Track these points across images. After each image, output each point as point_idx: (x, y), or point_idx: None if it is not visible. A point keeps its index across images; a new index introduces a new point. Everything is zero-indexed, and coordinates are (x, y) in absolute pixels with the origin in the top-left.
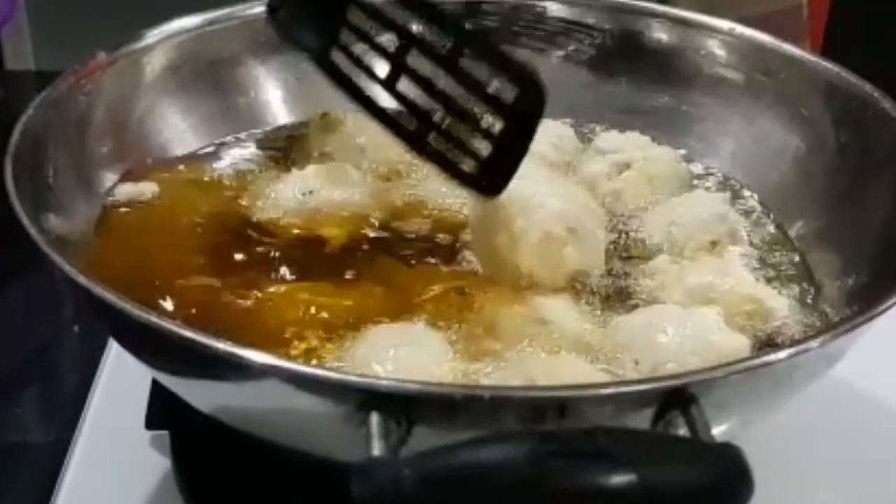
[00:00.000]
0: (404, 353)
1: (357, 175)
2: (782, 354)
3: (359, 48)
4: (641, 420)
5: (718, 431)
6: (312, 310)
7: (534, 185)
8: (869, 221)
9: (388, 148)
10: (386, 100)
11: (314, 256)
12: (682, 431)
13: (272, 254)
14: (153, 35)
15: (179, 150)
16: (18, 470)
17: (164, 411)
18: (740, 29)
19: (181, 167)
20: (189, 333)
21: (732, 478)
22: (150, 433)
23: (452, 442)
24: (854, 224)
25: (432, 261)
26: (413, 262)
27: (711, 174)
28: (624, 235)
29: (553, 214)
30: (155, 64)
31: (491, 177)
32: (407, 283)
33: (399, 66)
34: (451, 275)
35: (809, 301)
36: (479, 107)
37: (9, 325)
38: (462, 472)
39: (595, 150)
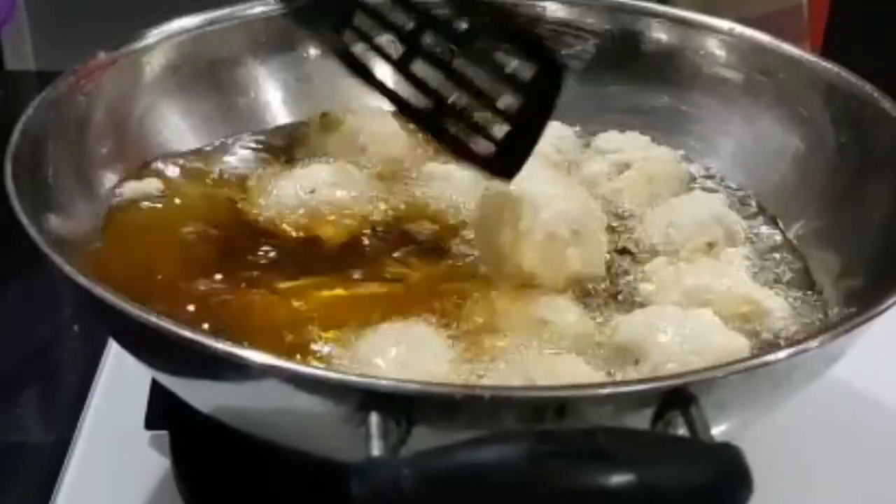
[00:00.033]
0: (404, 352)
1: (357, 174)
2: (782, 354)
3: (373, 31)
4: (641, 420)
5: (718, 431)
6: (313, 309)
7: (539, 184)
8: (869, 221)
9: (389, 147)
10: (401, 86)
11: (315, 256)
12: (682, 431)
13: (273, 253)
14: (153, 35)
15: (179, 150)
16: (18, 470)
17: (163, 411)
18: (740, 29)
19: (182, 167)
20: (189, 333)
21: (732, 478)
22: (149, 433)
23: (452, 442)
24: (854, 224)
25: (433, 260)
26: (414, 261)
27: (711, 174)
28: (623, 236)
29: (558, 215)
30: (155, 64)
31: (506, 159)
32: (407, 283)
33: (414, 48)
34: (452, 274)
35: (809, 301)
36: (495, 86)
37: (9, 325)
38: (461, 472)
39: (595, 150)
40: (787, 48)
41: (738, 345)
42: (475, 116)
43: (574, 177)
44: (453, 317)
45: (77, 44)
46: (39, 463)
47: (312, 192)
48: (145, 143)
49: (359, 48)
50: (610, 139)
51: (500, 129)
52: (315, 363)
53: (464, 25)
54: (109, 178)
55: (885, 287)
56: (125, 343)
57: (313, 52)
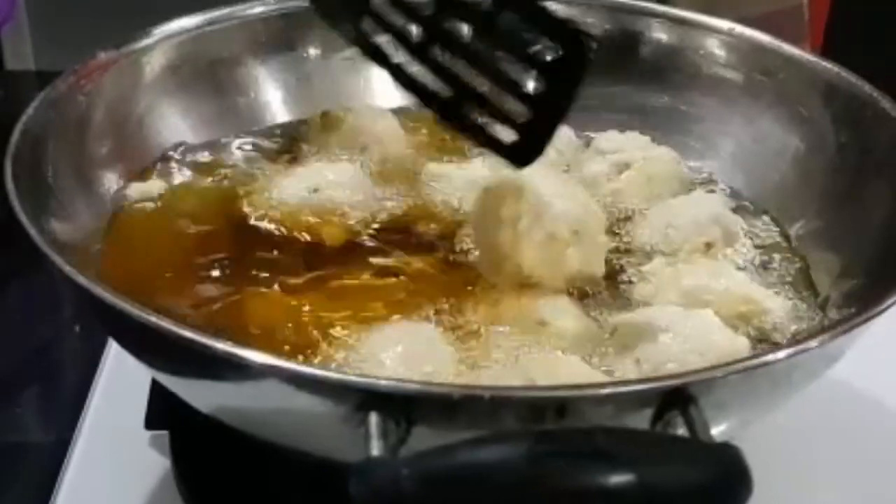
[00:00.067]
0: (404, 352)
1: (358, 174)
2: (781, 354)
3: (392, 17)
4: (640, 420)
5: (717, 431)
6: (314, 309)
7: (538, 185)
8: (868, 222)
9: (389, 146)
10: (421, 74)
11: (316, 255)
12: (681, 431)
13: (274, 253)
14: (153, 35)
15: (179, 150)
16: (18, 470)
17: (163, 411)
18: (740, 29)
19: (183, 167)
20: (189, 333)
21: (731, 478)
22: (149, 433)
23: (451, 442)
24: (854, 224)
25: (434, 260)
26: (415, 261)
27: (711, 174)
28: (623, 236)
29: (558, 215)
30: (155, 64)
31: (527, 145)
32: (409, 283)
33: (434, 33)
34: (453, 274)
35: (808, 301)
36: (516, 70)
37: (9, 325)
38: (461, 472)
39: (595, 150)
40: (787, 48)
41: (739, 345)
42: (495, 102)
43: (574, 177)
44: (454, 317)
45: (77, 44)
46: (39, 463)
47: (315, 191)
48: (145, 143)
49: (377, 36)
50: (610, 139)
51: (523, 113)
52: (315, 363)
53: (485, 6)
54: (109, 178)
55: (885, 287)
56: (125, 343)
57: (313, 52)
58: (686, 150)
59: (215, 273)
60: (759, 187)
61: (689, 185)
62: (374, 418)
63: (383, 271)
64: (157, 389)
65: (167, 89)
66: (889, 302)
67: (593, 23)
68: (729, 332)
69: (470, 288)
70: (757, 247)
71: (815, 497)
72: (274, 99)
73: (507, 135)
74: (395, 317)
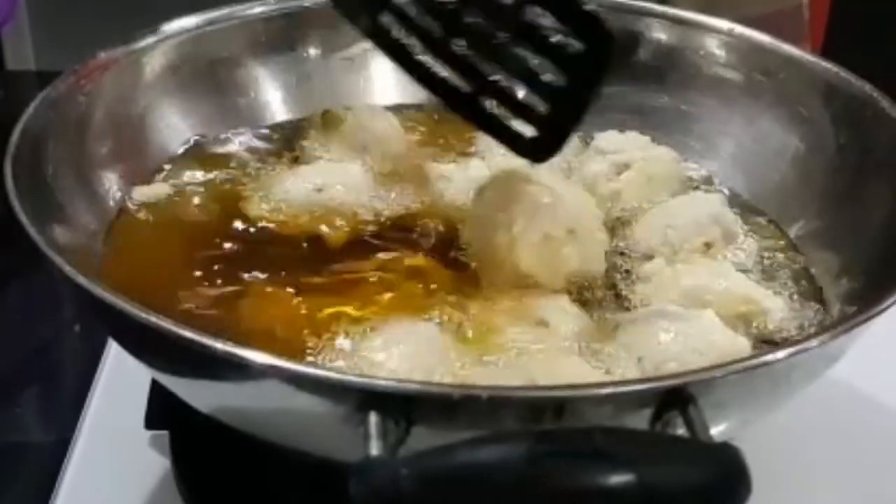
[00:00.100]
0: (405, 351)
1: (359, 173)
2: (781, 354)
3: (412, 10)
4: (640, 420)
5: (717, 431)
6: (315, 308)
7: (534, 186)
8: (868, 222)
9: (390, 146)
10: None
11: (318, 255)
12: (681, 431)
13: (276, 253)
14: (153, 35)
15: (179, 150)
16: (18, 470)
17: (163, 411)
18: (739, 29)
19: (183, 167)
20: (188, 333)
21: (730, 478)
22: (150, 433)
23: (451, 442)
24: (854, 224)
25: (435, 260)
26: (416, 261)
27: (710, 174)
28: (623, 237)
29: (553, 216)
30: (155, 64)
31: (546, 139)
32: (408, 282)
33: (455, 26)
34: (454, 274)
35: (808, 301)
36: (538, 63)
37: (9, 325)
38: (460, 471)
39: (595, 150)
40: (787, 48)
41: (740, 345)
42: (515, 97)
43: (574, 177)
44: (455, 316)
45: (77, 44)
46: (39, 463)
47: (320, 190)
48: (145, 143)
49: (396, 29)
50: (610, 139)
51: (542, 110)
52: (316, 363)
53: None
54: (109, 179)
55: (885, 287)
56: (125, 343)
57: (313, 52)
58: (686, 150)
59: (216, 272)
60: (759, 187)
61: (688, 185)
62: (373, 418)
63: (385, 271)
64: (157, 389)
65: (167, 89)
66: (889, 302)
67: None
68: (730, 332)
69: (471, 287)
70: (756, 247)
71: (815, 497)
72: (274, 99)
73: (525, 130)
74: (397, 316)
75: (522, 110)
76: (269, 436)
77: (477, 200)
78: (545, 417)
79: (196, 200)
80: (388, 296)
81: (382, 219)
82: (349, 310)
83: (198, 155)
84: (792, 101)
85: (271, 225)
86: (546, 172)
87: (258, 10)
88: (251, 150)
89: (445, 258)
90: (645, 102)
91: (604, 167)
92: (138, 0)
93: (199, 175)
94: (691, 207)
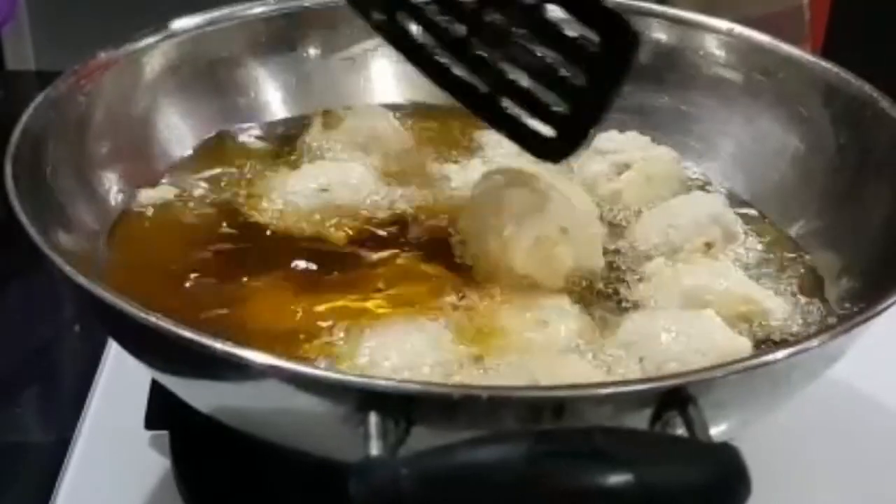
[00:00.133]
0: (406, 351)
1: (360, 173)
2: (781, 354)
3: (429, 8)
4: (640, 420)
5: (717, 431)
6: (315, 308)
7: (524, 187)
8: (869, 221)
9: (391, 146)
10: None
11: (319, 255)
12: (680, 431)
13: (277, 252)
14: (153, 35)
15: (179, 150)
16: (18, 470)
17: (163, 411)
18: (739, 29)
19: (183, 167)
20: (188, 333)
21: (730, 478)
22: (150, 433)
23: (451, 442)
24: (854, 224)
25: (435, 260)
26: (417, 261)
27: (710, 174)
28: (623, 237)
29: (544, 216)
30: (155, 64)
31: (565, 138)
32: (409, 282)
33: (473, 25)
34: (453, 275)
35: (808, 301)
36: (557, 62)
37: (9, 325)
38: (460, 471)
39: (594, 150)
40: (787, 48)
41: (741, 345)
42: (533, 96)
43: (573, 177)
44: (454, 317)
45: (77, 44)
46: (39, 463)
47: (324, 190)
48: (145, 143)
49: (411, 27)
50: (609, 139)
51: (561, 109)
52: (317, 363)
53: None
54: (110, 179)
55: (885, 287)
56: (125, 343)
57: (313, 52)
58: (686, 150)
59: (217, 272)
60: (758, 187)
61: (688, 184)
62: (373, 418)
63: (386, 271)
64: (157, 389)
65: (167, 89)
66: (889, 302)
67: None
68: (730, 332)
69: (471, 288)
70: (757, 247)
71: (814, 497)
72: (274, 99)
73: (543, 129)
74: (397, 316)
75: (541, 110)
76: (268, 436)
77: (468, 208)
78: (545, 417)
79: (198, 201)
80: (388, 296)
81: (384, 219)
82: (351, 310)
83: (198, 155)
84: (792, 101)
85: (274, 225)
86: (538, 170)
87: (258, 10)
88: (251, 150)
89: (446, 258)
90: (645, 102)
91: (604, 167)
92: (138, 0)
93: (200, 175)
94: (691, 207)
